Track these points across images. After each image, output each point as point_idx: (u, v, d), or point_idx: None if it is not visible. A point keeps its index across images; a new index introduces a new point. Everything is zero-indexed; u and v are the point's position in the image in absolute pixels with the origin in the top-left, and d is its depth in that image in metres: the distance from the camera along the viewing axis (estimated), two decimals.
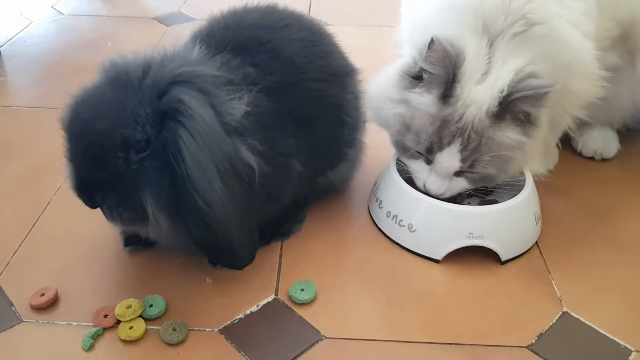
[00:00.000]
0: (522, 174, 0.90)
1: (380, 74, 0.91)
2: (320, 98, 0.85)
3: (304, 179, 0.85)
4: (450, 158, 0.81)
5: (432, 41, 0.77)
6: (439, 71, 0.79)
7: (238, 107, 0.71)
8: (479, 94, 0.79)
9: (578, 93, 0.88)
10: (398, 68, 0.86)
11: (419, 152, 0.84)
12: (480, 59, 0.80)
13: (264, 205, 0.79)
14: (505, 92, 0.78)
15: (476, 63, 0.80)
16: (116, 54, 0.74)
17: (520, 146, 0.82)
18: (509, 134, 0.80)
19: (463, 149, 0.80)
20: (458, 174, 0.83)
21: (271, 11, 0.90)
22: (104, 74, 0.72)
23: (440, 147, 0.81)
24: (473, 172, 0.82)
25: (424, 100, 0.81)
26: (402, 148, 0.86)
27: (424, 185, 0.86)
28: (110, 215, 0.72)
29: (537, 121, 0.82)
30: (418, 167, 0.86)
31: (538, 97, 0.78)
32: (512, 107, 0.79)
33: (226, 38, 0.82)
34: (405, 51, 0.98)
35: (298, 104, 0.82)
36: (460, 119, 0.79)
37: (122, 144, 0.67)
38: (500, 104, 0.78)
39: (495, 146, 0.80)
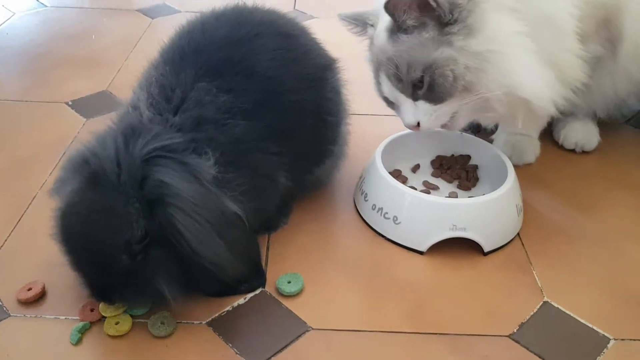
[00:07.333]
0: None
1: None
2: (299, 107, 0.84)
3: (290, 181, 0.85)
4: (384, 80, 0.87)
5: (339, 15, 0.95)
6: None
7: (209, 163, 0.71)
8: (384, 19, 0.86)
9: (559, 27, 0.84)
10: None
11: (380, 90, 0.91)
12: None
13: (254, 219, 0.79)
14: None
15: None
16: (80, 143, 0.73)
17: (443, 44, 0.80)
18: (407, 39, 0.82)
19: (386, 70, 0.86)
20: (413, 97, 0.84)
21: (241, 19, 0.86)
22: (76, 173, 0.70)
23: (378, 76, 0.89)
24: (416, 88, 0.83)
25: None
26: (377, 91, 0.93)
27: (403, 123, 0.89)
28: (130, 305, 0.75)
29: (442, 8, 0.78)
30: (395, 112, 0.92)
31: None
32: (391, 11, 0.81)
33: (199, 61, 0.79)
34: None
35: (276, 118, 0.80)
36: (373, 44, 0.89)
37: (125, 246, 0.68)
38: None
39: (400, 52, 0.83)
